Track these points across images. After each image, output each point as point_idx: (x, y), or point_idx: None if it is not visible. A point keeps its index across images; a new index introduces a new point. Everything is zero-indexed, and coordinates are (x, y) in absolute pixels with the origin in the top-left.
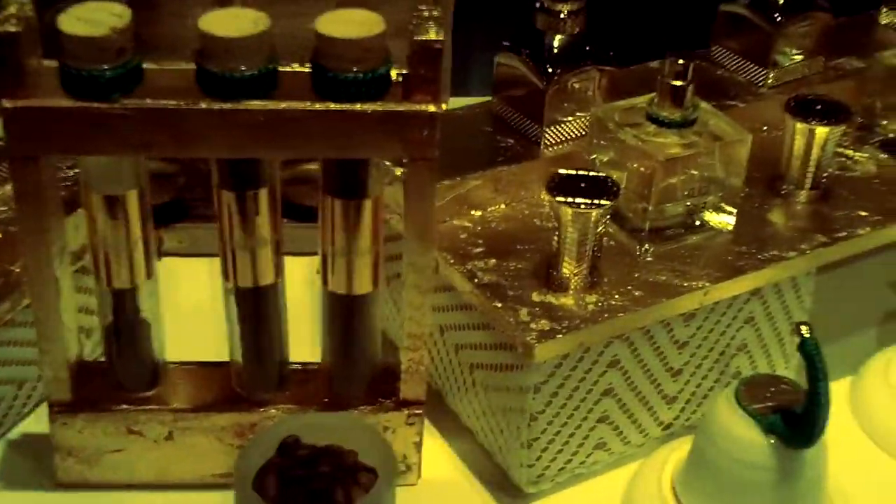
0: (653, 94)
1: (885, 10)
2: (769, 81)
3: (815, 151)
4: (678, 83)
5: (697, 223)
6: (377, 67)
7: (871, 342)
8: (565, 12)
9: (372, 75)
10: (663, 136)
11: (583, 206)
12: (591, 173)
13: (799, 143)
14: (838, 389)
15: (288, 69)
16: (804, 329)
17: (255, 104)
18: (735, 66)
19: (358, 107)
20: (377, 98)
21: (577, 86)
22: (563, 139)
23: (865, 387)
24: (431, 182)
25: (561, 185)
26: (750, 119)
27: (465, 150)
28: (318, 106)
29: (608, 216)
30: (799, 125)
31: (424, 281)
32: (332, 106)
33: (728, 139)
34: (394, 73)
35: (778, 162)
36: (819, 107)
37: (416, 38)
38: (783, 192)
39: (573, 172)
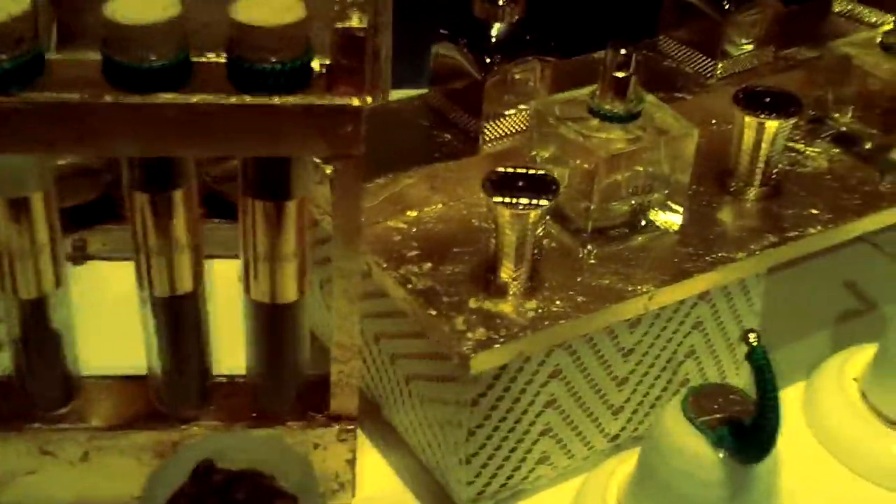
0: (595, 87)
1: None
2: (718, 73)
3: (765, 146)
4: (620, 74)
5: (643, 223)
6: (297, 57)
7: (825, 345)
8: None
9: (291, 66)
10: (606, 131)
11: (521, 207)
12: (531, 171)
13: (748, 137)
14: (791, 395)
15: (203, 59)
16: (752, 337)
17: (166, 97)
18: (683, 57)
19: (276, 100)
20: (298, 91)
21: (517, 77)
22: (504, 134)
23: (819, 392)
24: (357, 181)
25: (498, 184)
26: (698, 112)
27: (400, 145)
28: (233, 99)
29: (548, 216)
30: (748, 118)
31: (353, 287)
32: (248, 99)
33: (674, 134)
34: (316, 64)
35: (727, 157)
36: (768, 99)
37: (337, 25)
38: (732, 190)
39: (511, 170)
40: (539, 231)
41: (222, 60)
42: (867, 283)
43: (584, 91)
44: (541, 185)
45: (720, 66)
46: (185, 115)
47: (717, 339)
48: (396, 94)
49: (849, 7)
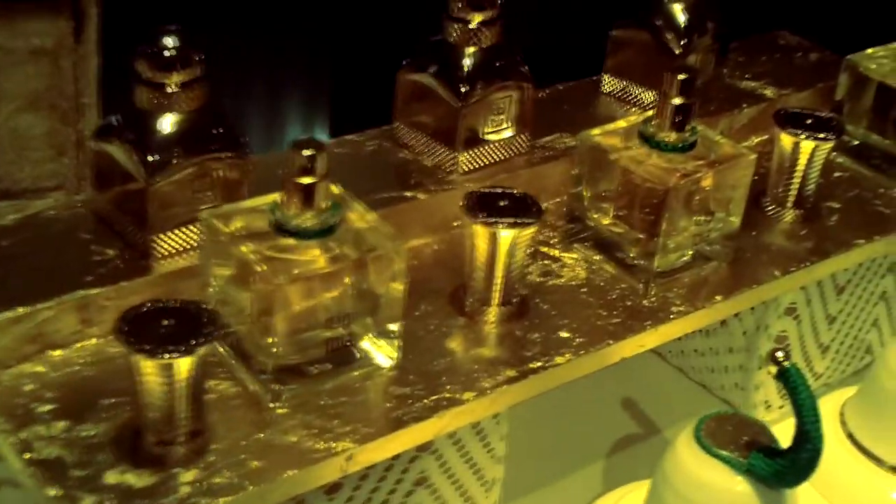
0: (279, 195)
1: (607, 77)
2: (460, 167)
3: (502, 258)
4: (307, 180)
5: (349, 356)
6: None
7: (597, 483)
8: None
9: None
10: (298, 251)
11: (167, 356)
12: (190, 303)
13: (481, 247)
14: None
15: None
16: (780, 356)
17: None
18: (421, 147)
19: None
20: None
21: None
22: (179, 249)
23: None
24: None
25: (136, 325)
26: (437, 213)
27: (44, 266)
28: None
29: (232, 356)
30: (478, 228)
31: None
32: None
33: (381, 251)
34: None
35: (462, 272)
36: (505, 202)
37: None
38: (467, 310)
39: (161, 304)
40: (199, 380)
41: None
42: (649, 399)
43: (262, 200)
44: (191, 321)
45: (461, 158)
46: None
47: (450, 496)
48: None
49: (620, 86)
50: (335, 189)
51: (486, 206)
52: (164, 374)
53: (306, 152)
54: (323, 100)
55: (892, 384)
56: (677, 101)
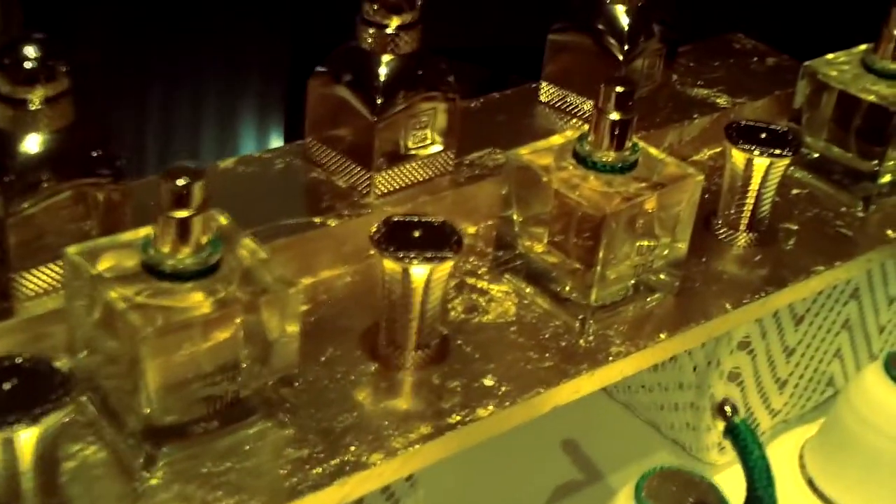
0: (149, 230)
1: (545, 84)
2: (376, 188)
3: (417, 298)
4: (182, 214)
5: (236, 413)
6: None
7: None
8: None
9: None
10: (176, 294)
11: (6, 428)
12: (39, 361)
13: (393, 285)
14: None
15: None
16: (728, 409)
17: None
18: (335, 166)
19: None
20: None
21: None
22: (48, 288)
23: None
24: None
25: None
26: (343, 242)
27: None
28: None
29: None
30: (387, 264)
31: None
32: None
33: (274, 293)
34: None
35: (377, 309)
36: (420, 233)
37: None
38: (381, 355)
39: (4, 361)
40: (53, 452)
41: None
42: (592, 440)
43: (131, 236)
44: (39, 382)
45: (378, 178)
46: None
47: None
48: None
49: (559, 94)
50: (221, 219)
51: (399, 237)
52: (3, 448)
53: (180, 181)
54: (279, 105)
55: (856, 425)
56: (615, 116)
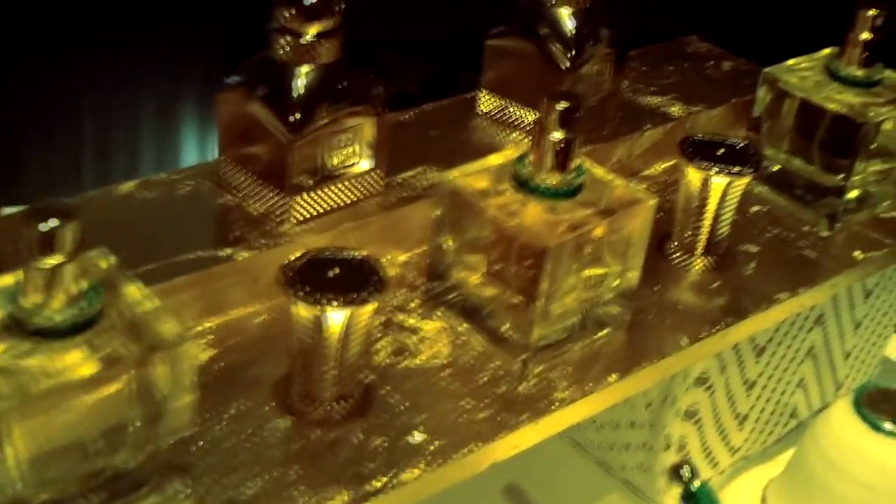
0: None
1: (484, 93)
2: (293, 215)
3: (333, 346)
4: (50, 262)
5: (122, 487)
6: None
7: None
8: None
9: None
10: (48, 353)
11: None
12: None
13: (305, 332)
14: None
15: None
16: (686, 472)
17: None
18: (248, 189)
19: None
20: None
21: None
22: None
23: None
24: None
25: None
26: (256, 276)
27: None
28: None
29: None
30: (303, 309)
31: None
32: None
33: (165, 349)
34: None
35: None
36: (335, 272)
37: None
38: (293, 404)
39: None
40: None
41: None
42: (539, 481)
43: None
44: None
45: (296, 203)
46: None
47: None
48: None
49: (498, 105)
50: (102, 262)
51: (313, 276)
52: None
53: (45, 226)
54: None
55: (823, 469)
56: (557, 135)
